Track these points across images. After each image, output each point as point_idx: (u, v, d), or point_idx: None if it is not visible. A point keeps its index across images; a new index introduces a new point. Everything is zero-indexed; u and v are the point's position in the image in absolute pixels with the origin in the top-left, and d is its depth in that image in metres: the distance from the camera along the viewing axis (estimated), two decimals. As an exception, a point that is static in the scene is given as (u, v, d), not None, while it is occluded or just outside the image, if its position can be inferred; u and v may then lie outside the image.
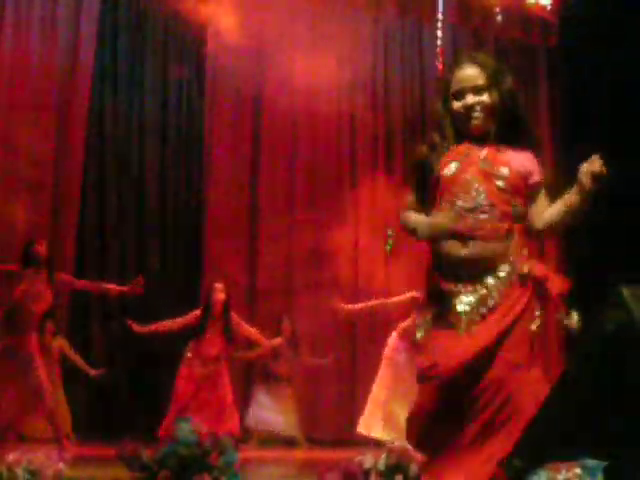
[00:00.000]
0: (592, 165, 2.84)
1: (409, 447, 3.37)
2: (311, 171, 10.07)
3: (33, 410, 7.19)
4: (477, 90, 3.08)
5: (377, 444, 7.16)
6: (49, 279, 7.26)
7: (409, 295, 7.96)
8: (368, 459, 3.25)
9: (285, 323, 9.03)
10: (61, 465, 3.82)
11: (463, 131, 3.13)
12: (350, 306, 8.12)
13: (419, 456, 3.27)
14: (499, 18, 9.66)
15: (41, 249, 7.26)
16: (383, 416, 7.75)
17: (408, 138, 10.37)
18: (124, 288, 7.46)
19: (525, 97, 9.37)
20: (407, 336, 7.93)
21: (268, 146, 10.03)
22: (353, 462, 3.20)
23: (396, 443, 3.31)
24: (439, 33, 9.82)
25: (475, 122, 3.08)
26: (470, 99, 3.07)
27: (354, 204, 10.12)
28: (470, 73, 3.10)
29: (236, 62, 9.48)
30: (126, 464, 3.63)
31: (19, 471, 3.75)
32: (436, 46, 9.98)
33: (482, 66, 3.10)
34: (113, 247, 9.71)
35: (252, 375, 9.40)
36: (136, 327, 7.70)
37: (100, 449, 6.69)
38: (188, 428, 3.38)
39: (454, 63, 3.28)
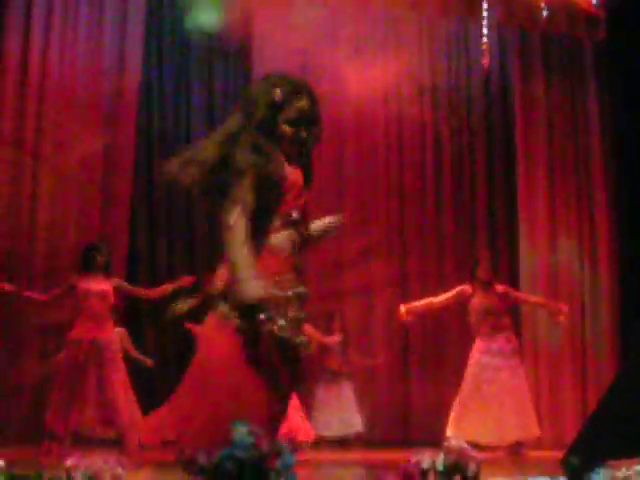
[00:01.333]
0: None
1: (467, 446, 3.34)
2: (359, 172, 10.07)
3: (106, 416, 7.27)
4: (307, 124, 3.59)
5: (433, 445, 7.11)
6: (107, 279, 7.39)
7: (457, 290, 7.95)
8: (426, 459, 3.22)
9: (336, 321, 9.04)
10: (119, 470, 3.83)
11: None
12: (407, 306, 8.08)
13: (478, 455, 3.25)
14: (545, 13, 9.59)
15: (100, 257, 7.40)
16: (464, 417, 7.71)
17: (455, 137, 10.34)
18: (177, 284, 7.56)
19: (572, 93, 9.39)
20: (477, 332, 7.89)
21: (315, 153, 10.01)
22: (411, 462, 3.17)
23: (453, 442, 3.27)
24: (485, 30, 9.77)
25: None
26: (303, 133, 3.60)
27: (402, 203, 10.11)
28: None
29: (281, 67, 9.49)
30: (184, 468, 3.63)
31: (77, 476, 3.77)
32: (481, 44, 9.92)
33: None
34: (162, 247, 9.82)
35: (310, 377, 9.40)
36: (188, 325, 7.75)
37: (157, 454, 6.72)
38: (245, 431, 3.37)
39: (291, 88, 3.61)
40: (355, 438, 9.03)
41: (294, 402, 7.71)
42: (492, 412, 7.69)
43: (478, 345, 7.94)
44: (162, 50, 10.14)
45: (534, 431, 7.87)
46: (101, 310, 7.47)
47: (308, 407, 8.95)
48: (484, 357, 7.85)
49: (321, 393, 9.09)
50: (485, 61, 9.74)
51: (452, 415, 7.87)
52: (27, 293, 7.86)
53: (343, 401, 9.07)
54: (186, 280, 7.68)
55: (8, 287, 7.69)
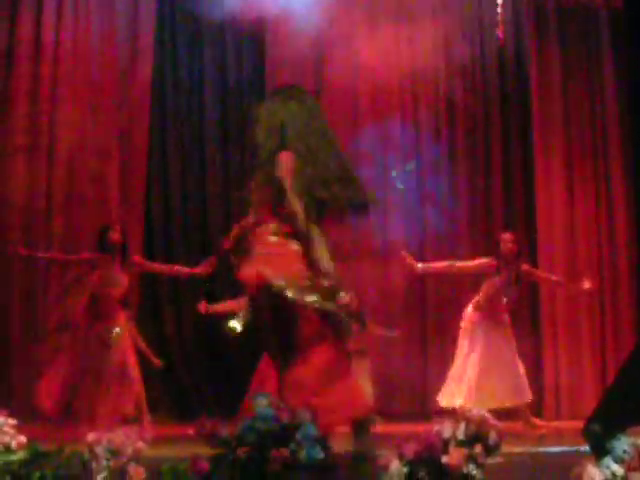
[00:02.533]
0: None
1: (488, 416, 3.35)
2: (375, 143, 10.02)
3: (118, 393, 7.31)
4: None
5: (452, 415, 7.14)
6: (123, 264, 7.41)
7: (479, 261, 7.95)
8: (447, 429, 3.24)
9: (351, 295, 9.03)
10: (141, 444, 3.86)
11: None
12: (423, 265, 8.06)
13: (498, 424, 3.26)
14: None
15: (116, 236, 7.41)
16: (461, 386, 7.76)
17: (470, 110, 10.29)
18: (196, 269, 7.57)
19: (588, 63, 9.33)
20: (481, 307, 7.92)
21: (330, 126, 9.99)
22: (431, 432, 3.19)
23: (474, 412, 3.28)
24: (499, 0, 9.67)
25: None
26: None
27: (417, 180, 10.10)
28: None
29: (295, 50, 9.49)
30: (205, 441, 3.66)
31: (99, 450, 3.80)
32: (496, 14, 9.83)
33: None
34: (178, 232, 9.83)
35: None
36: (204, 308, 7.75)
37: (178, 428, 6.78)
38: (265, 403, 3.40)
39: None
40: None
41: None
42: (486, 379, 7.74)
43: (473, 316, 7.97)
44: (175, 35, 10.07)
45: (527, 395, 7.88)
46: (113, 296, 7.47)
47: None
48: (477, 327, 7.90)
49: None
50: (500, 32, 9.65)
51: (444, 385, 7.93)
52: (42, 254, 7.97)
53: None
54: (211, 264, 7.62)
55: (22, 250, 7.77)
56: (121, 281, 7.46)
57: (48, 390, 7.26)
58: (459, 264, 8.08)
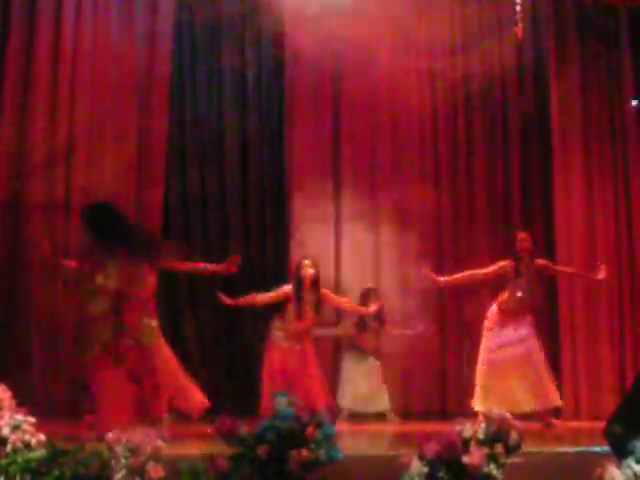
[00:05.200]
0: None
1: (508, 416, 3.34)
2: (394, 137, 10.03)
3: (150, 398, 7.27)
4: None
5: (472, 415, 7.13)
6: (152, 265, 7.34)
7: (498, 265, 7.97)
8: (467, 428, 3.23)
9: (372, 295, 9.04)
10: (160, 442, 3.86)
11: None
12: (444, 278, 8.17)
13: (519, 424, 3.25)
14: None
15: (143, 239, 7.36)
16: (483, 387, 7.76)
17: (487, 106, 10.26)
18: (219, 267, 7.49)
19: (607, 61, 9.32)
20: (505, 308, 7.93)
21: (348, 127, 10.02)
22: (452, 432, 3.18)
23: (495, 412, 3.27)
24: (518, -1, 9.65)
25: None
26: None
27: (435, 174, 10.09)
28: None
29: (314, 47, 9.51)
30: (224, 440, 3.65)
31: (119, 449, 3.80)
32: (515, 12, 9.81)
33: None
34: (197, 225, 9.85)
35: (340, 351, 9.43)
36: (227, 300, 7.77)
37: (197, 427, 6.78)
38: (285, 402, 3.39)
39: None
40: (379, 415, 9.05)
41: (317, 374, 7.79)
42: (510, 382, 7.74)
43: (498, 316, 7.97)
44: (194, 33, 10.08)
45: (550, 401, 7.86)
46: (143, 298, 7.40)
47: (335, 381, 9.02)
48: (501, 328, 7.90)
49: (348, 368, 9.11)
50: (519, 30, 9.62)
51: (476, 389, 7.94)
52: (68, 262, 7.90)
53: (373, 379, 9.10)
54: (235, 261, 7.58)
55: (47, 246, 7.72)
56: (149, 281, 7.35)
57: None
58: (480, 272, 8.13)
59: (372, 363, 9.15)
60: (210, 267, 7.62)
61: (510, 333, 7.90)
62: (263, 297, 7.87)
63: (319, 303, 7.82)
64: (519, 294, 7.88)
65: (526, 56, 10.27)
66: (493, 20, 10.26)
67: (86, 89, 9.08)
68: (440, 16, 10.03)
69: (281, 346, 7.81)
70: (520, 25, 9.58)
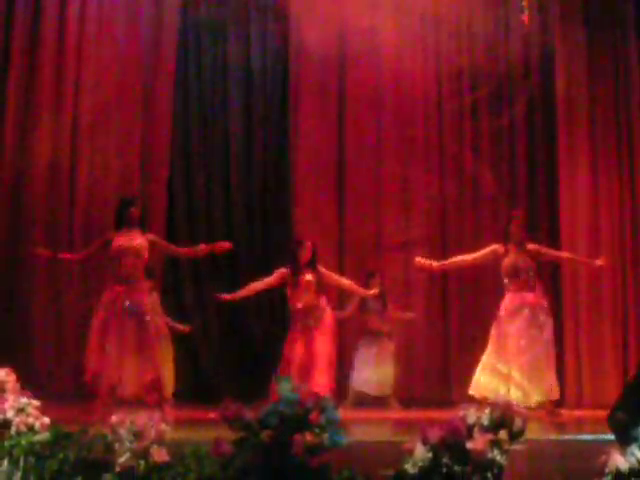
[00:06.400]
0: None
1: (513, 402, 3.33)
2: (398, 125, 10.03)
3: (139, 370, 7.29)
4: None
5: (473, 402, 7.12)
6: (143, 235, 7.35)
7: (490, 249, 7.93)
8: (471, 414, 3.22)
9: (376, 278, 9.05)
10: (164, 426, 3.86)
11: None
12: (437, 263, 8.11)
13: (523, 411, 3.24)
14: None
15: (135, 211, 7.37)
16: (490, 373, 7.72)
17: (493, 92, 10.24)
18: (212, 246, 7.56)
19: (614, 47, 9.27)
20: (509, 289, 7.89)
21: (353, 116, 10.01)
22: (456, 417, 3.17)
23: (499, 398, 3.26)
24: (524, -15, 9.60)
25: None
26: None
27: (440, 159, 10.08)
28: None
29: (319, 38, 9.50)
30: (229, 424, 3.65)
31: (122, 432, 3.80)
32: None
33: None
34: (201, 209, 9.88)
35: (346, 334, 9.41)
36: (226, 296, 7.77)
37: (201, 411, 6.79)
38: (289, 387, 3.38)
39: None
40: (380, 400, 9.07)
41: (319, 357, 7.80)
42: (515, 372, 7.70)
43: (506, 302, 7.93)
44: (199, 23, 10.09)
45: (554, 393, 7.82)
46: (134, 268, 7.36)
47: (349, 365, 9.05)
48: (510, 314, 7.84)
49: (361, 352, 9.13)
50: (525, 17, 9.58)
51: (476, 374, 7.88)
52: (62, 255, 7.86)
53: (382, 361, 9.11)
54: (223, 246, 7.63)
55: (43, 252, 7.74)
56: (141, 252, 7.34)
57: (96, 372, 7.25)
58: (470, 256, 8.07)
59: (385, 346, 9.17)
60: (204, 248, 7.62)
61: (522, 322, 7.81)
62: (259, 284, 7.86)
63: (317, 283, 7.81)
64: (510, 276, 7.81)
65: (532, 40, 10.22)
66: (500, 4, 10.21)
67: (90, 82, 9.12)
68: (447, 2, 10.00)
69: (295, 326, 7.83)
70: (526, 10, 9.52)
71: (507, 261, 7.85)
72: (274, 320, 9.12)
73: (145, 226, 7.49)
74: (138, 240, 7.30)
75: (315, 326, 7.77)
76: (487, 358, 7.78)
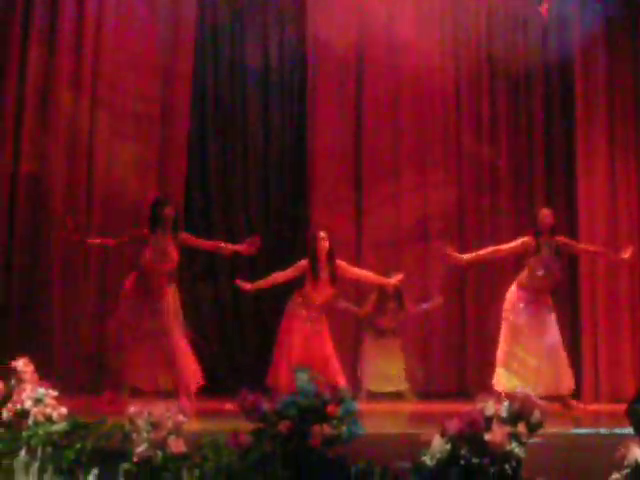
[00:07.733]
0: None
1: (531, 394, 3.33)
2: (416, 126, 10.00)
3: (164, 368, 7.37)
4: None
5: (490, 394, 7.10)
6: (174, 239, 7.44)
7: (520, 241, 7.91)
8: (490, 407, 3.22)
9: (394, 273, 9.02)
10: (181, 417, 3.87)
11: None
12: (467, 255, 8.09)
13: (542, 403, 3.24)
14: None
15: (170, 212, 7.46)
16: (506, 367, 7.71)
17: (512, 89, 10.19)
18: (239, 247, 7.65)
19: (634, 38, 9.17)
20: (525, 285, 7.88)
21: (371, 103, 9.98)
22: (475, 409, 3.17)
23: (518, 390, 3.26)
24: (542, -23, 9.54)
25: None
26: None
27: (457, 160, 10.05)
28: None
29: (337, 21, 9.48)
30: (246, 416, 3.65)
31: (140, 423, 3.82)
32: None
33: None
34: (218, 201, 9.91)
35: (360, 329, 9.42)
36: (247, 285, 7.79)
37: (217, 402, 6.81)
38: (306, 378, 3.39)
39: None
40: (397, 395, 9.05)
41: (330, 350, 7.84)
42: (531, 364, 7.71)
43: (517, 294, 7.92)
44: (217, 11, 10.07)
45: (566, 387, 7.81)
46: (162, 278, 7.52)
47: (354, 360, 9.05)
48: (522, 307, 7.84)
49: (367, 349, 9.12)
50: (544, 9, 9.52)
51: (497, 369, 7.88)
52: (93, 240, 7.93)
53: (389, 357, 9.10)
54: (254, 244, 7.69)
55: (76, 236, 7.78)
56: (172, 256, 7.50)
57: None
58: (502, 247, 8.06)
59: (391, 342, 9.15)
60: (230, 246, 7.74)
61: (529, 318, 7.82)
62: (281, 275, 7.87)
63: (335, 275, 7.81)
64: (540, 272, 7.81)
65: (551, 36, 10.16)
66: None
67: (108, 73, 9.13)
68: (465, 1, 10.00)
69: (300, 315, 7.81)
70: (544, 2, 9.46)
71: (538, 257, 7.84)
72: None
73: (178, 228, 7.60)
74: (170, 251, 7.49)
75: (322, 318, 7.87)
76: (502, 352, 7.81)
